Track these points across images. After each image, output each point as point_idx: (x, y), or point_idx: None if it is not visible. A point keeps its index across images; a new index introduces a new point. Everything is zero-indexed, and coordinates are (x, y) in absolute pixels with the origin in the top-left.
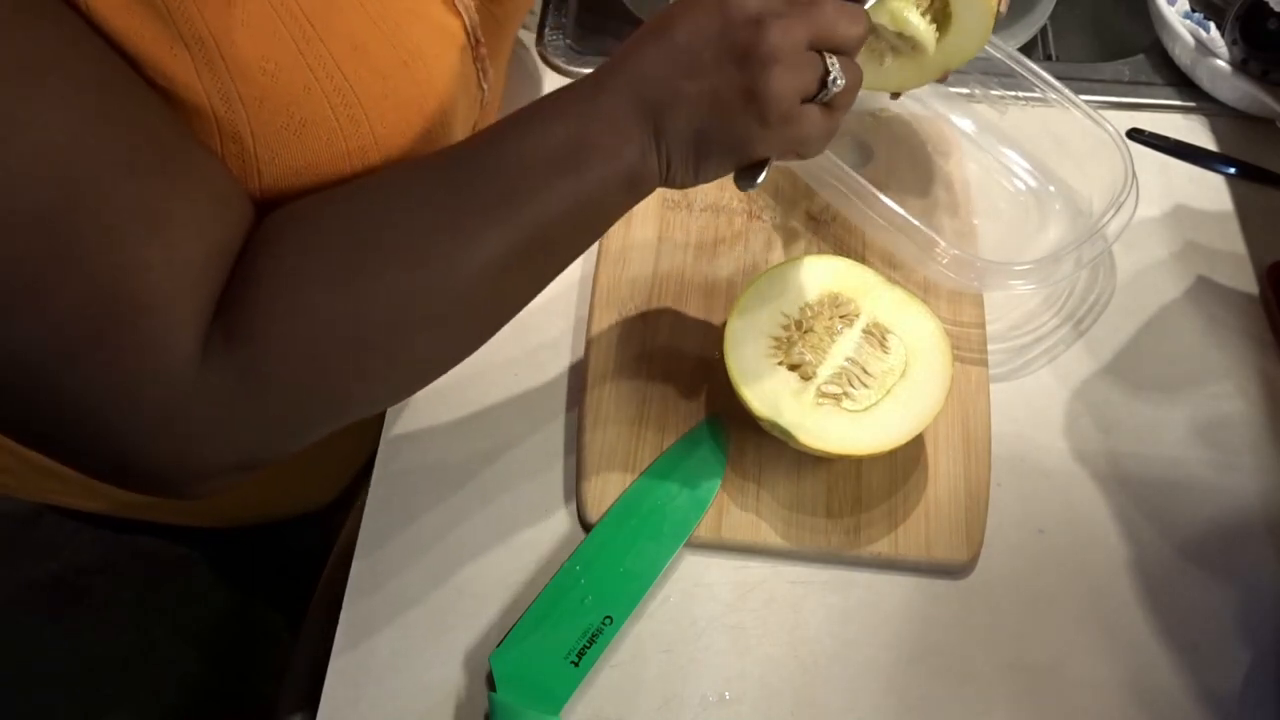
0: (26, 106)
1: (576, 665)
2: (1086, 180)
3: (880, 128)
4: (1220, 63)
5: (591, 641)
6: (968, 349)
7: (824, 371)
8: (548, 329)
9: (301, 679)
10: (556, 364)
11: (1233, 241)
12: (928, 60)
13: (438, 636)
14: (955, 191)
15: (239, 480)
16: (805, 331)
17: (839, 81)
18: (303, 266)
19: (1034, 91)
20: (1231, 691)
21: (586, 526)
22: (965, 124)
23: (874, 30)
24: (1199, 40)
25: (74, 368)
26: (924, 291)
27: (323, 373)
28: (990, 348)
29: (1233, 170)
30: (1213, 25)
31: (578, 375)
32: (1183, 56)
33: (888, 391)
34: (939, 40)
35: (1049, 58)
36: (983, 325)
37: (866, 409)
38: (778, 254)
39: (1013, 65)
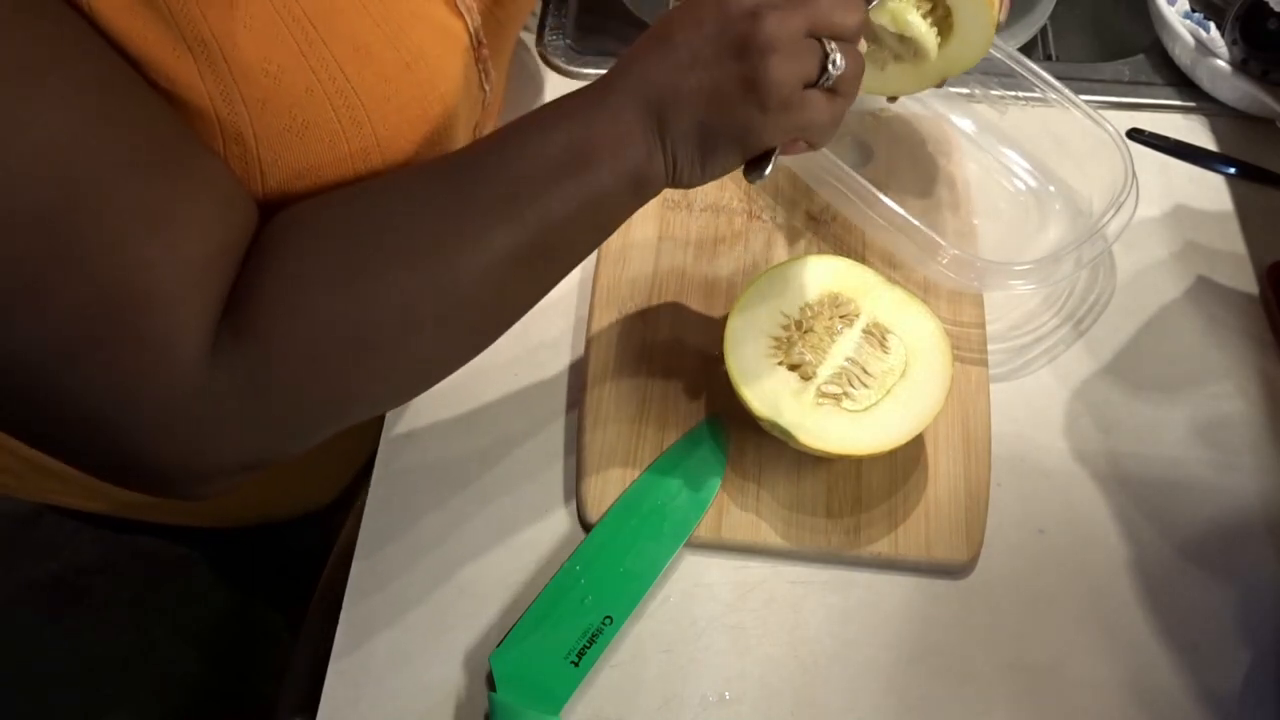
0: (27, 106)
1: (576, 665)
2: (1086, 180)
3: (880, 128)
4: (1220, 63)
5: (591, 641)
6: (968, 349)
7: (824, 371)
8: (548, 329)
9: (301, 679)
10: (556, 364)
11: (1233, 241)
12: (928, 66)
13: (438, 636)
14: (955, 191)
15: (242, 481)
16: (805, 331)
17: (839, 64)
18: (309, 266)
19: (1034, 91)
20: (1231, 691)
21: (586, 526)
22: (965, 124)
23: (876, 38)
24: (1199, 40)
25: (77, 367)
26: (924, 291)
27: (329, 372)
28: (990, 348)
29: (1233, 170)
30: (1213, 25)
31: (578, 375)
32: (1183, 56)
33: (888, 391)
34: (940, 47)
35: (1049, 58)
36: (983, 325)
37: (866, 409)
38: (778, 254)
39: (1013, 65)
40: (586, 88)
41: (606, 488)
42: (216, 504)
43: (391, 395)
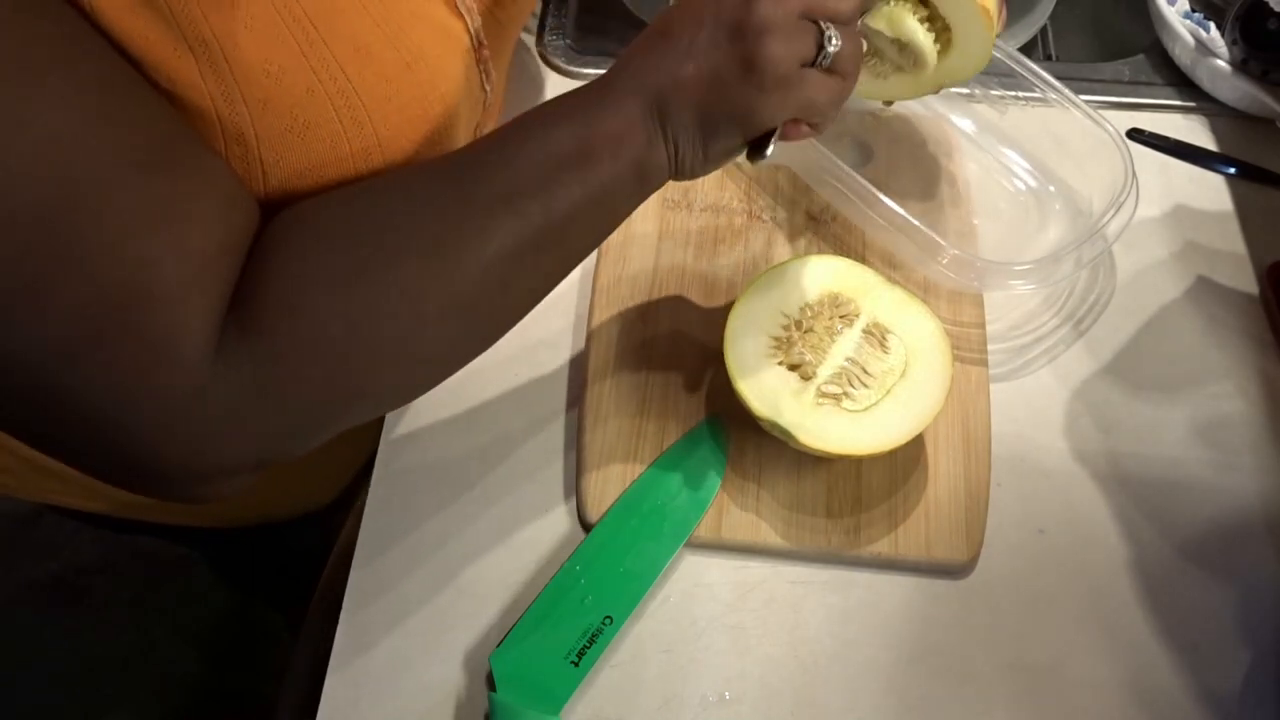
0: (27, 105)
1: (576, 665)
2: (1086, 180)
3: (880, 128)
4: (1220, 63)
5: (591, 641)
6: (968, 349)
7: (824, 371)
8: (548, 327)
9: (301, 679)
10: (556, 362)
11: (1233, 241)
12: (926, 77)
13: (438, 636)
14: (955, 191)
15: (243, 483)
16: (805, 331)
17: (835, 42)
18: (313, 264)
19: (1034, 91)
20: (1231, 691)
21: (586, 526)
22: (965, 124)
23: (877, 53)
24: (1199, 40)
25: (78, 366)
26: (924, 291)
27: (337, 367)
28: (990, 348)
29: (1233, 170)
30: (1213, 25)
31: (578, 374)
32: (1183, 56)
33: (888, 391)
34: (939, 59)
35: (1049, 58)
36: (983, 325)
37: (866, 409)
38: (778, 254)
39: (1013, 65)
40: (586, 86)
41: (607, 485)
42: (216, 504)
43: (399, 391)
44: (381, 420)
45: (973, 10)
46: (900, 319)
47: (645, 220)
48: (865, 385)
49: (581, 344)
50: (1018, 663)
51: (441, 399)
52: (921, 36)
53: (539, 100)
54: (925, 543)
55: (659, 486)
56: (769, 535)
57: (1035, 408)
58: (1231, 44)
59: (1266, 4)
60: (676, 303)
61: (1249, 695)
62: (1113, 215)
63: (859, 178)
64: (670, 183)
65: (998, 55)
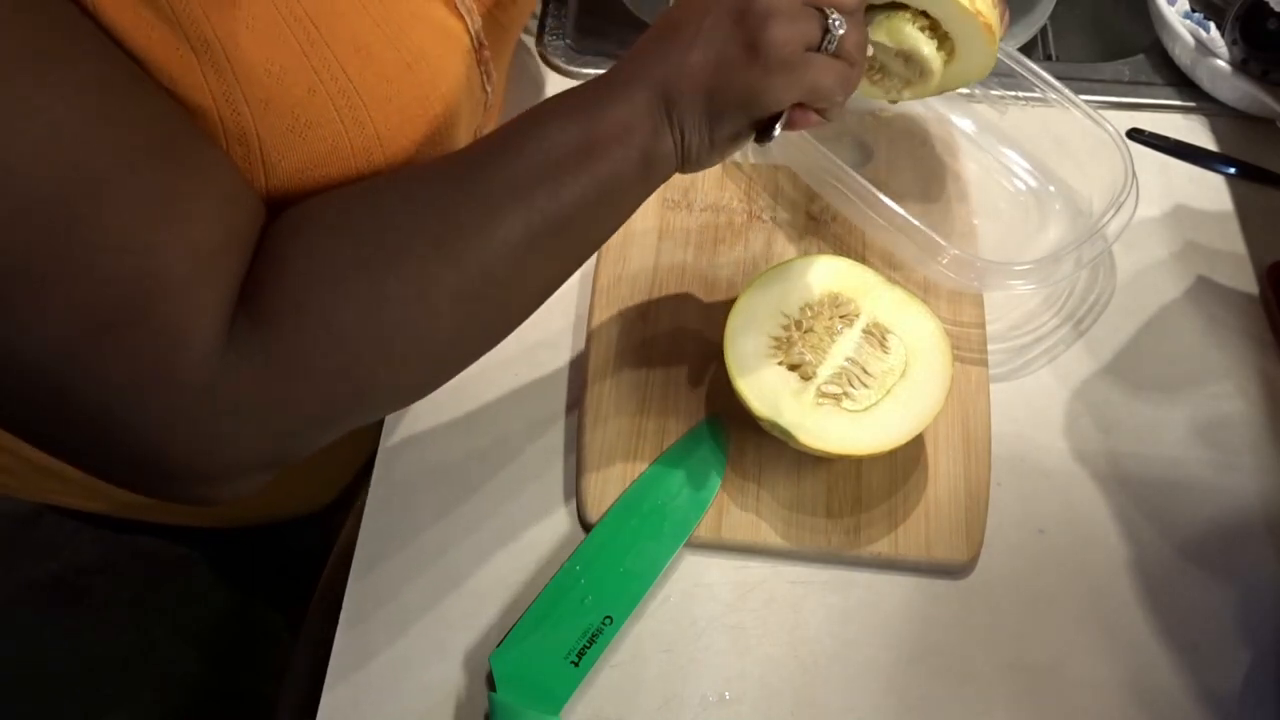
0: (29, 103)
1: (576, 665)
2: (1086, 180)
3: (880, 127)
4: (1220, 63)
5: (591, 641)
6: (968, 349)
7: (824, 371)
8: (547, 328)
9: (301, 679)
10: (556, 362)
11: (1233, 241)
12: (932, 84)
13: (438, 637)
14: (955, 191)
15: (251, 485)
16: (805, 331)
17: (839, 26)
18: (323, 255)
19: (1034, 91)
20: (1231, 691)
21: (586, 526)
22: (965, 124)
23: (883, 69)
24: (1199, 40)
25: (82, 362)
26: (924, 291)
27: (349, 358)
28: (990, 348)
29: (1233, 170)
30: (1213, 25)
31: (577, 374)
32: (1183, 56)
33: (888, 391)
34: (944, 67)
35: (1049, 58)
36: (983, 325)
37: (866, 409)
38: (778, 253)
39: (1013, 65)
40: (590, 81)
41: (607, 485)
42: None
43: (409, 385)
44: (382, 420)
45: (975, 27)
46: (900, 319)
47: (645, 220)
48: (865, 385)
49: (581, 344)
50: (1018, 663)
51: (441, 400)
52: (924, 45)
53: (539, 101)
54: (925, 543)
55: (659, 486)
56: (769, 535)
57: (1035, 408)
58: (1231, 44)
59: (1266, 4)
60: (676, 303)
61: (1249, 695)
62: (1113, 215)
63: (859, 178)
64: (670, 182)
65: (998, 55)
